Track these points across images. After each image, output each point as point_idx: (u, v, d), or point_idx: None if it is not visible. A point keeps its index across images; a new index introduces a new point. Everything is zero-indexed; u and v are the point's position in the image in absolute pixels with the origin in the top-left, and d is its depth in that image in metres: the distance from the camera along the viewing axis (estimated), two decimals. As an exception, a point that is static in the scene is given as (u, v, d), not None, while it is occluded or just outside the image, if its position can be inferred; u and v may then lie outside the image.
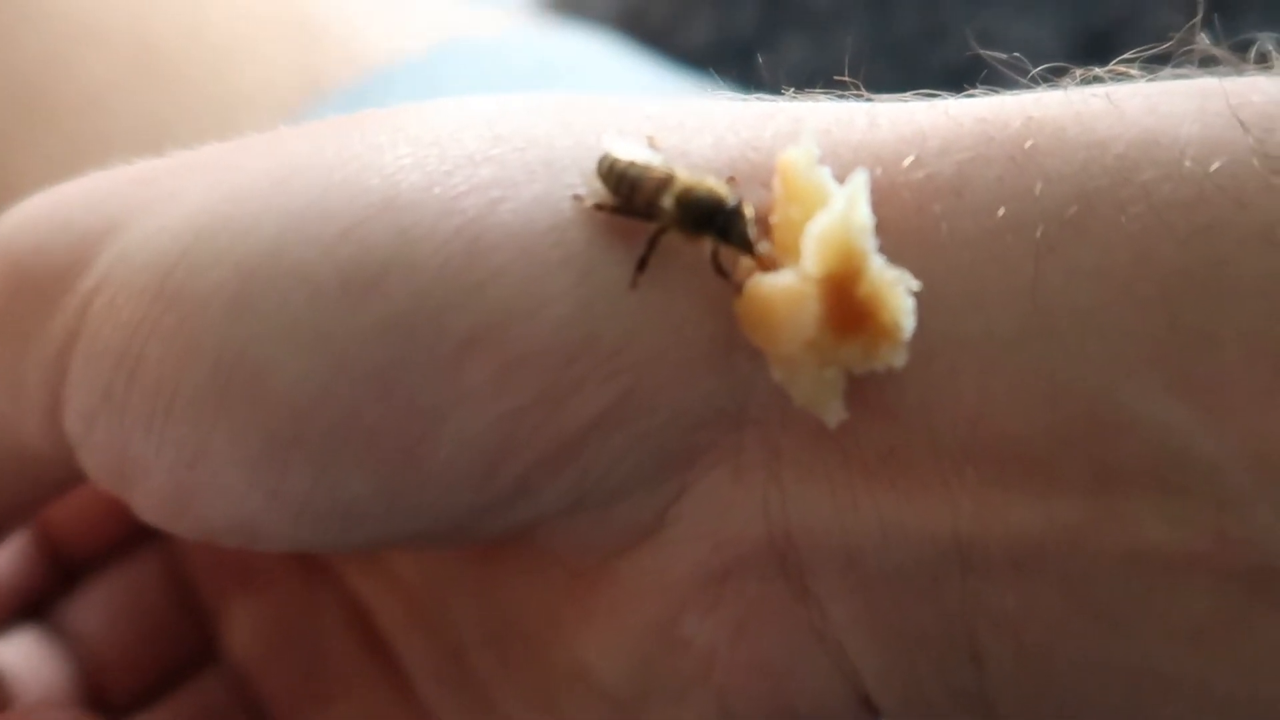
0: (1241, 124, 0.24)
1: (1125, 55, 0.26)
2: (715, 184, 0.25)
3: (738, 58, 0.27)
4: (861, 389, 0.25)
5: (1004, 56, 0.27)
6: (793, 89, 0.27)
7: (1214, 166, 0.24)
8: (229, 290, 0.25)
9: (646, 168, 0.26)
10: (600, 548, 0.27)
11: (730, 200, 0.25)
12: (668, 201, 0.25)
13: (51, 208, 0.29)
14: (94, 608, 0.34)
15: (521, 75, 0.47)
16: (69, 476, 0.29)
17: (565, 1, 0.63)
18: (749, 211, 0.25)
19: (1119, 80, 0.26)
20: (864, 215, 0.24)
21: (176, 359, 0.26)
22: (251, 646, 0.34)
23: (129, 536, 0.35)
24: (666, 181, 0.25)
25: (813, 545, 0.26)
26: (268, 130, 0.28)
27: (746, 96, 0.28)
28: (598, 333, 0.25)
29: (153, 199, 0.27)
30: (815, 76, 0.28)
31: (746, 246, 0.25)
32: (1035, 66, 0.26)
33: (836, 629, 0.26)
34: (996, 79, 0.27)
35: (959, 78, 0.27)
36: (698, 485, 0.26)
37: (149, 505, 0.28)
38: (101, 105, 0.48)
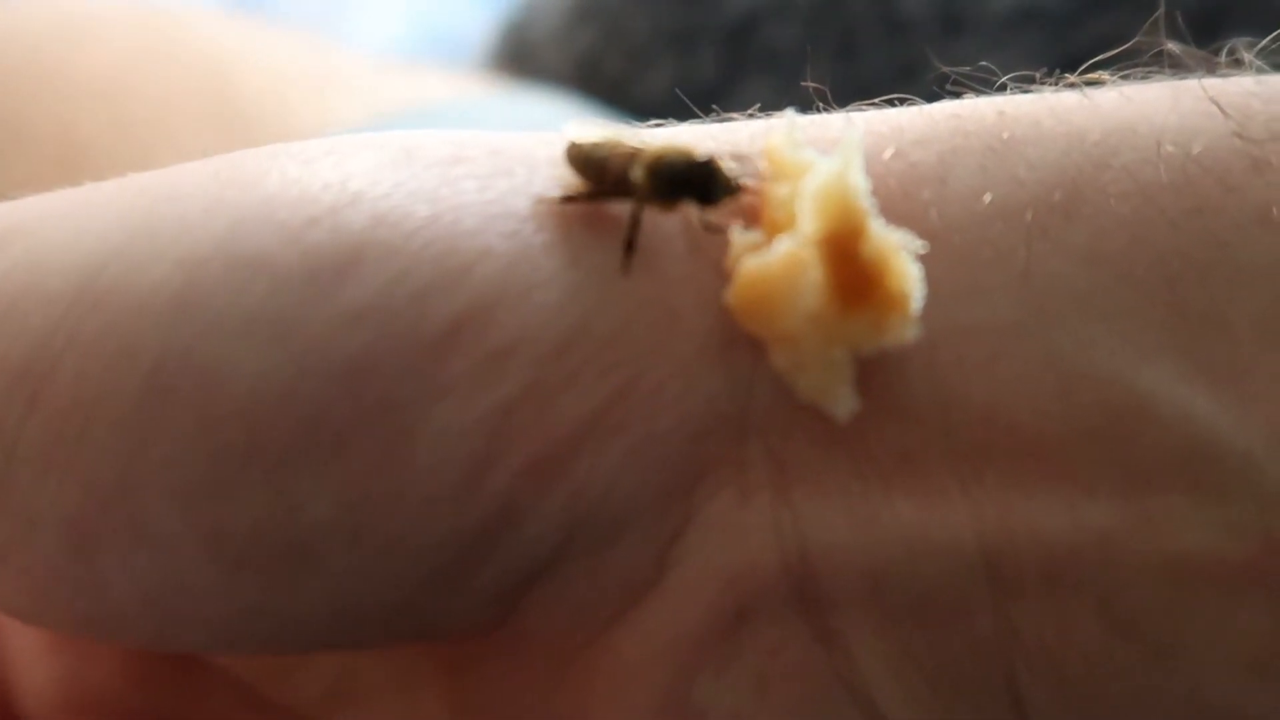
0: (1220, 109, 0.24)
1: (1095, 59, 0.26)
2: (686, 147, 0.24)
3: (699, 106, 0.26)
4: (866, 386, 0.24)
5: (973, 85, 0.26)
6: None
7: (1195, 150, 0.24)
8: (173, 285, 0.22)
9: (615, 144, 0.25)
10: (595, 614, 0.25)
11: (701, 156, 0.24)
12: (638, 173, 0.24)
13: None
14: None
15: None
16: None
17: (517, 58, 0.62)
18: (725, 164, 0.24)
19: (1092, 86, 0.26)
20: (860, 171, 0.23)
21: (101, 370, 0.22)
22: None
23: None
24: (635, 154, 0.25)
25: (832, 569, 0.23)
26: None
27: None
28: (590, 320, 0.23)
29: (63, 207, 0.24)
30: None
31: (730, 190, 0.24)
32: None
33: (866, 678, 0.24)
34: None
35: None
36: (704, 512, 0.24)
37: (26, 584, 0.23)
38: None
